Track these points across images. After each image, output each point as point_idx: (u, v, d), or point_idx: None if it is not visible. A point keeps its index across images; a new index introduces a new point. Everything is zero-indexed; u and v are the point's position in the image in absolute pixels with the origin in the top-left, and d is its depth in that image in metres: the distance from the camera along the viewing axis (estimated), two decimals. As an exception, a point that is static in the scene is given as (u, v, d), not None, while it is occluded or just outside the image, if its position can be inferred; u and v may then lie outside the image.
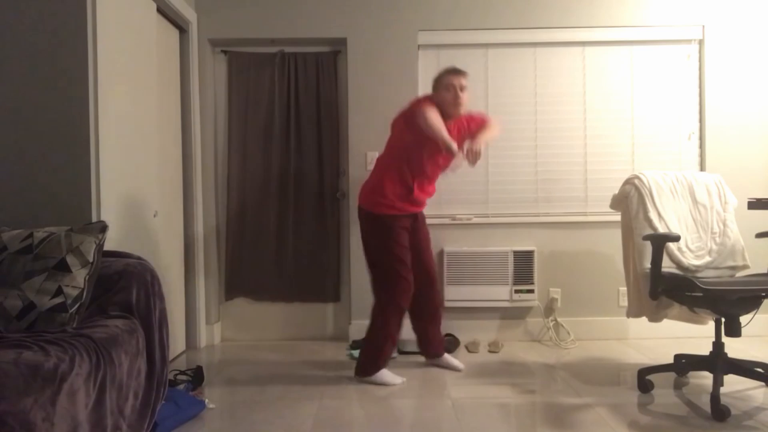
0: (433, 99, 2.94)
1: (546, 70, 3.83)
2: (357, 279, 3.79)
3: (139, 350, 2.02)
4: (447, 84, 2.92)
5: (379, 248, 2.98)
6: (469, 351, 3.57)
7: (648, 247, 2.73)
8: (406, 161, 2.95)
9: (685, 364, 2.85)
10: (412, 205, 3.03)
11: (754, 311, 2.58)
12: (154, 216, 3.08)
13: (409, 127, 2.89)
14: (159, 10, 3.27)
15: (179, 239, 3.58)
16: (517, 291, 3.70)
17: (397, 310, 2.96)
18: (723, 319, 2.56)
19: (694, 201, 2.97)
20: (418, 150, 2.92)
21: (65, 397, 1.56)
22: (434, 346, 3.20)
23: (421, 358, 3.32)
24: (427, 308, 3.14)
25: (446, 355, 3.23)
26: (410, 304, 3.09)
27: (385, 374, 2.97)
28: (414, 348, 3.35)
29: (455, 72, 2.94)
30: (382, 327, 2.96)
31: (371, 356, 2.97)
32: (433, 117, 2.78)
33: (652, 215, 2.83)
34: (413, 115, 2.85)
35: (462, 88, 2.91)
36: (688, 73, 3.84)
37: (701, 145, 3.83)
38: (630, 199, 2.89)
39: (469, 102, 3.04)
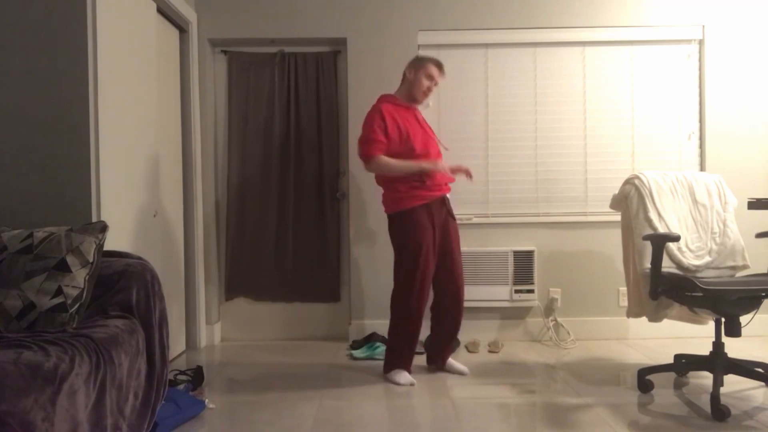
0: (390, 98, 3.04)
1: (546, 70, 3.83)
2: (357, 279, 3.79)
3: (139, 350, 2.02)
4: (429, 74, 3.02)
5: (402, 245, 2.96)
6: (469, 351, 3.57)
7: (648, 247, 2.73)
8: (400, 157, 2.97)
9: (685, 364, 2.85)
10: (433, 190, 2.98)
11: (754, 311, 2.58)
12: (154, 216, 3.08)
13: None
14: (159, 10, 3.27)
15: (179, 239, 3.58)
16: (517, 291, 3.70)
17: (409, 313, 2.95)
18: (723, 319, 2.56)
19: (694, 201, 2.97)
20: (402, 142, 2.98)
21: (65, 397, 1.56)
22: (440, 354, 3.15)
23: (421, 358, 3.32)
24: (446, 313, 3.09)
25: (450, 361, 3.17)
26: (433, 306, 3.10)
27: (398, 374, 2.97)
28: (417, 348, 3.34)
29: (440, 67, 3.05)
30: (395, 328, 2.99)
31: (389, 355, 3.02)
32: (388, 165, 2.90)
33: (652, 215, 2.83)
34: (361, 154, 2.97)
35: (437, 84, 3.06)
36: (688, 73, 3.84)
37: (701, 145, 3.83)
38: (630, 199, 2.89)
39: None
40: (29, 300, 1.93)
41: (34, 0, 2.42)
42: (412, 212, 2.93)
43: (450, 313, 3.08)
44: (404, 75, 3.07)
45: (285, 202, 3.83)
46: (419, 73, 3.00)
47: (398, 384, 2.93)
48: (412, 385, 2.92)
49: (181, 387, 2.71)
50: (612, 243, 3.79)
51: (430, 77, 3.00)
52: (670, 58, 3.83)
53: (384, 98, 3.06)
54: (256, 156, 3.84)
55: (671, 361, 3.13)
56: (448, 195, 3.09)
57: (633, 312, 2.88)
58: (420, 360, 3.29)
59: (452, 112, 3.80)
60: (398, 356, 3.00)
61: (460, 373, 3.10)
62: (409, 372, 3.01)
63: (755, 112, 3.80)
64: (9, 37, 2.43)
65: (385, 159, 2.91)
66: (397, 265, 2.99)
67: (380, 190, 3.09)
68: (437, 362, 3.17)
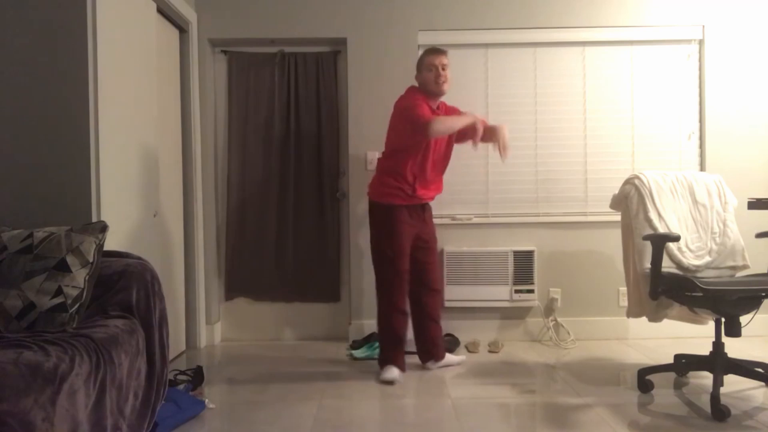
0: (418, 88, 3.06)
1: (546, 70, 3.82)
2: (357, 279, 3.79)
3: (139, 350, 2.02)
4: (428, 64, 3.01)
5: (381, 238, 3.04)
6: (469, 351, 3.57)
7: (648, 247, 2.73)
8: (409, 160, 3.00)
9: (685, 364, 2.86)
10: (417, 198, 3.07)
11: (754, 311, 2.58)
12: (154, 216, 3.08)
13: (415, 133, 2.92)
14: (159, 10, 3.27)
15: (179, 239, 3.58)
16: (517, 291, 3.70)
17: (393, 306, 3.01)
18: (723, 319, 2.56)
19: (694, 201, 2.97)
20: (417, 152, 3.00)
21: (65, 397, 1.56)
22: (433, 350, 3.17)
23: (415, 358, 3.29)
24: (425, 310, 3.14)
25: (447, 355, 3.23)
26: (411, 304, 3.12)
27: (385, 370, 3.00)
28: (412, 348, 3.34)
29: (435, 52, 3.04)
30: (384, 324, 3.03)
31: (382, 351, 3.07)
32: (442, 122, 2.86)
33: (652, 215, 2.83)
34: (418, 127, 2.87)
35: (443, 67, 3.01)
36: (688, 73, 3.84)
37: (701, 145, 3.83)
38: (630, 199, 2.89)
39: (451, 79, 3.10)
40: (29, 300, 1.93)
41: (34, 0, 2.42)
42: (393, 208, 3.02)
43: (430, 304, 3.14)
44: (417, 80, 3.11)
45: (285, 202, 3.83)
46: (421, 70, 3.05)
47: (386, 381, 2.95)
48: (392, 383, 2.94)
49: (181, 387, 2.71)
50: (612, 243, 3.79)
51: (431, 66, 3.00)
52: (670, 58, 3.83)
53: (415, 88, 3.09)
54: (256, 156, 3.84)
55: (671, 361, 3.13)
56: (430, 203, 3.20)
57: (633, 312, 2.88)
58: (415, 359, 3.27)
59: (452, 112, 3.79)
60: (387, 351, 3.04)
61: (458, 364, 3.19)
62: (402, 369, 3.04)
63: (755, 112, 3.80)
64: (9, 37, 2.43)
65: (441, 117, 2.90)
66: (374, 252, 3.06)
67: None
68: (435, 356, 3.18)
